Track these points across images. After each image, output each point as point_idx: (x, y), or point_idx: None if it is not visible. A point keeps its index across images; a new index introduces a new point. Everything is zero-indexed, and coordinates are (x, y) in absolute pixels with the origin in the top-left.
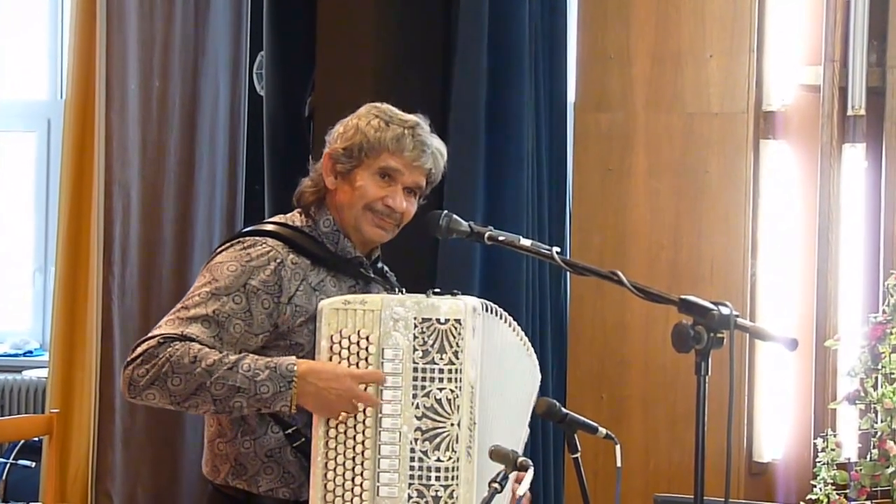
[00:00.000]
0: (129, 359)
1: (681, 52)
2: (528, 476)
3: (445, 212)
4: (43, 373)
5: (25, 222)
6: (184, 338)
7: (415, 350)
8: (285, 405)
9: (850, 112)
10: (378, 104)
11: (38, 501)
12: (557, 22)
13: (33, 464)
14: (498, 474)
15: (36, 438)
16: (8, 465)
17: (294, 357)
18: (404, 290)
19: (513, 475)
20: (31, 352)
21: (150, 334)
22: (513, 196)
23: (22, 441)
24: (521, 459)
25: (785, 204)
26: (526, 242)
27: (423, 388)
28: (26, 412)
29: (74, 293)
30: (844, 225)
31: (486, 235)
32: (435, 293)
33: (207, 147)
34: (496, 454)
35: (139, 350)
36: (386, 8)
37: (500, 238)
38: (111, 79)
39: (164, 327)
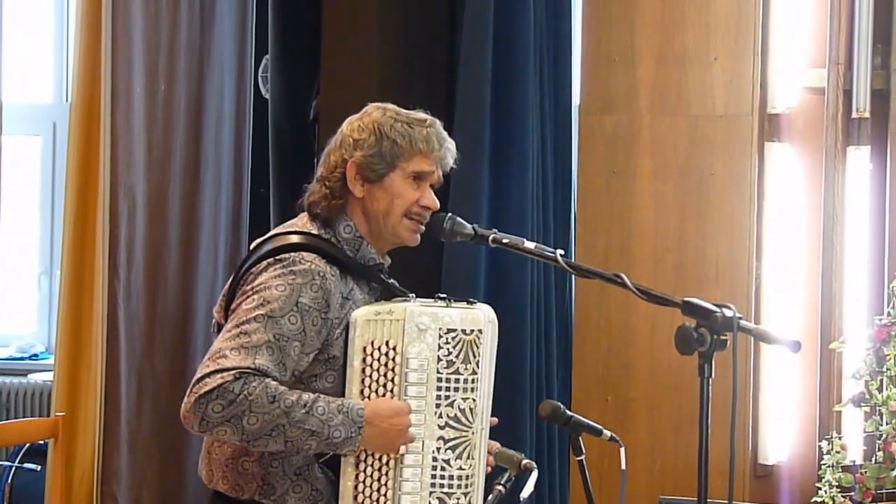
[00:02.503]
0: (201, 392)
1: (685, 55)
2: (533, 478)
3: (449, 214)
4: (48, 376)
5: (31, 226)
6: (258, 371)
7: (439, 360)
8: (352, 450)
9: (854, 115)
10: (383, 105)
11: None
12: (562, 25)
13: (39, 467)
14: (502, 476)
15: (41, 442)
16: (13, 469)
17: (360, 401)
18: (413, 294)
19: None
20: (36, 355)
21: (219, 366)
22: (517, 199)
23: (27, 444)
24: (525, 461)
25: (790, 206)
26: (530, 245)
27: (447, 397)
28: (32, 415)
29: (80, 296)
30: (849, 227)
31: (491, 238)
32: (440, 297)
33: (213, 150)
34: (501, 456)
35: (214, 384)
36: (390, 11)
37: (505, 241)
38: (116, 82)
39: (233, 358)
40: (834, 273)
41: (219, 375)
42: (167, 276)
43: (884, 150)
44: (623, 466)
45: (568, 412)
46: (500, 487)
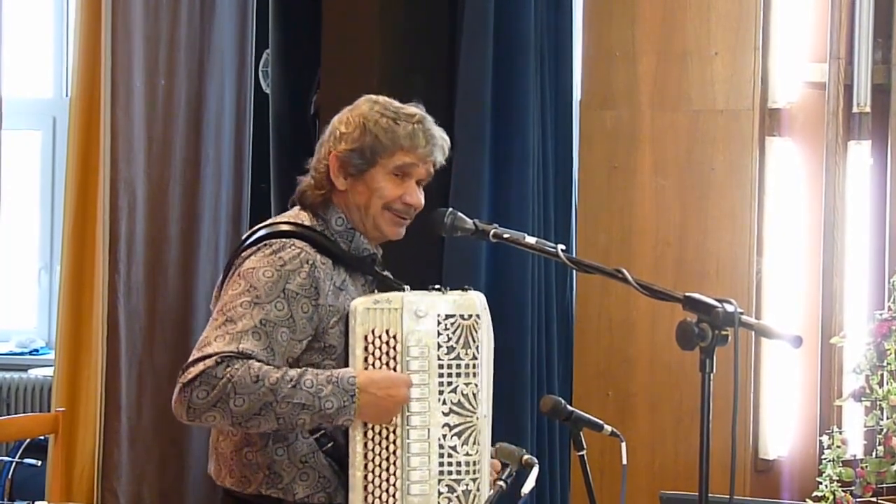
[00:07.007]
0: (185, 381)
1: (686, 50)
2: (534, 474)
3: (450, 209)
4: (49, 371)
5: (31, 220)
6: (241, 355)
7: (439, 346)
8: (348, 419)
9: (855, 109)
10: (376, 98)
11: (43, 500)
12: (563, 19)
13: (39, 462)
14: (503, 471)
15: (42, 437)
16: (14, 464)
17: (351, 368)
18: (408, 286)
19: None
20: (36, 350)
21: (202, 353)
22: (518, 194)
23: (28, 440)
24: (526, 457)
25: (790, 201)
26: (531, 240)
27: (450, 383)
28: (32, 411)
29: (80, 291)
30: (850, 222)
31: (491, 233)
32: (436, 289)
33: (213, 145)
34: (502, 452)
35: (196, 371)
36: (391, 6)
37: (506, 236)
38: (116, 77)
39: (216, 344)
40: (835, 268)
41: (201, 363)
42: (167, 271)
43: (884, 144)
44: (624, 461)
45: (569, 407)
46: (500, 483)
